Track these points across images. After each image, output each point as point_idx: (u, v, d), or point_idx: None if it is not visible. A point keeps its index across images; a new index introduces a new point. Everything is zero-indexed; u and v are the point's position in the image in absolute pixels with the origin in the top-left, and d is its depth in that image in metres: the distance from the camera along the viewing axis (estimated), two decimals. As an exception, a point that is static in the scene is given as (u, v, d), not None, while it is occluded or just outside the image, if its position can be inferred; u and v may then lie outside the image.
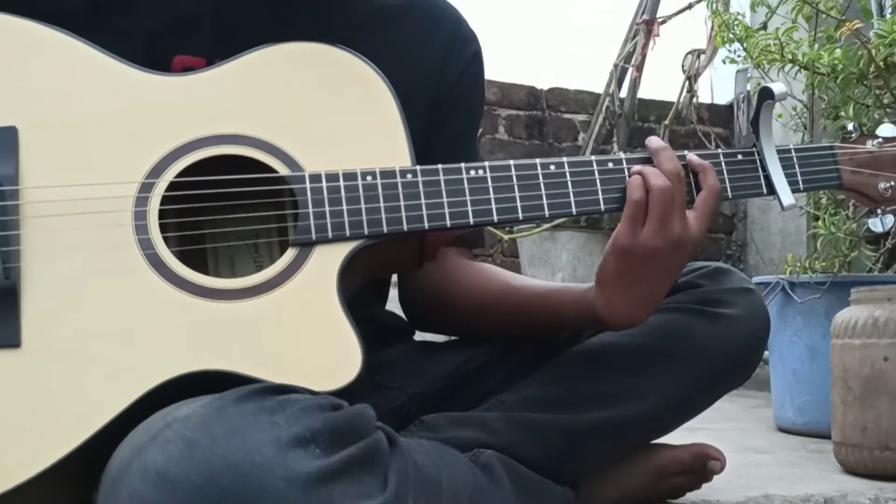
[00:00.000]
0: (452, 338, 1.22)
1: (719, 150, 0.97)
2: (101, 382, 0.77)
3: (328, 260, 0.84)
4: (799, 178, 0.99)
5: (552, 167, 0.91)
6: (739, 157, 0.97)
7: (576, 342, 1.08)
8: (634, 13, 3.53)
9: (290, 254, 0.84)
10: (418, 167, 0.88)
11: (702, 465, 1.13)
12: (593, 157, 0.93)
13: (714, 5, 2.12)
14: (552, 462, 1.00)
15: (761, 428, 2.05)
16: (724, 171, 0.96)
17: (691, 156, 0.94)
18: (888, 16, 1.89)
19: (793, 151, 0.99)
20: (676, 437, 1.13)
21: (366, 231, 0.85)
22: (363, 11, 1.03)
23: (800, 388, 1.91)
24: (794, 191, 0.98)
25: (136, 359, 0.78)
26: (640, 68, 3.43)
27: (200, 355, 0.79)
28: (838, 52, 1.69)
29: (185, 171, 0.84)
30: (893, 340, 1.37)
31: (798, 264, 1.95)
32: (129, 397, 0.76)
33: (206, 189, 0.83)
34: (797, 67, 1.79)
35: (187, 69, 0.92)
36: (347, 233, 0.84)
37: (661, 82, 3.56)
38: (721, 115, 3.79)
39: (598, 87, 3.65)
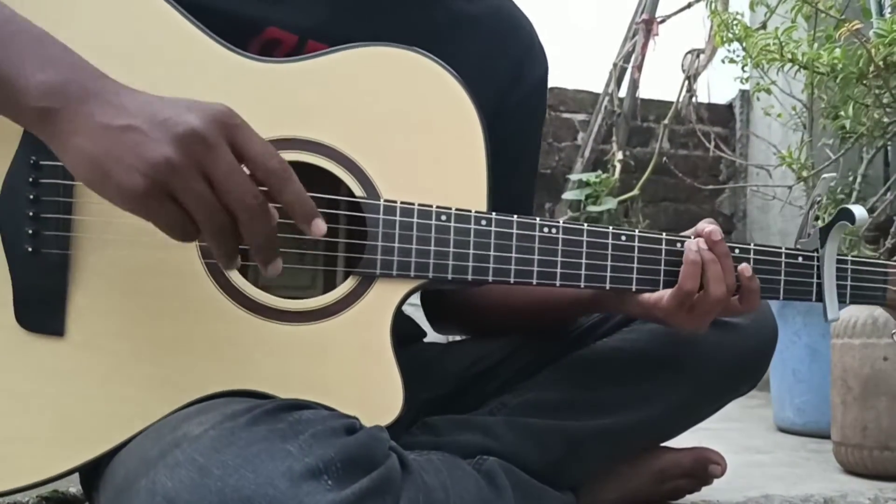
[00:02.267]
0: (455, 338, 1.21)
1: (782, 249, 0.94)
2: (140, 389, 0.74)
3: (387, 296, 0.82)
4: (848, 290, 0.96)
5: (623, 238, 0.88)
6: (800, 259, 0.95)
7: (582, 346, 1.07)
8: (634, 12, 3.53)
9: (351, 282, 0.82)
10: (493, 215, 0.84)
11: (702, 469, 1.13)
12: (664, 236, 0.90)
13: (713, 5, 2.11)
14: (553, 467, 0.99)
15: (761, 428, 2.05)
16: (783, 269, 0.93)
17: (748, 277, 0.89)
18: (887, 15, 1.89)
19: (849, 262, 0.96)
20: (677, 438, 1.13)
21: (430, 275, 0.82)
22: (445, 15, 1.00)
23: (800, 388, 1.91)
24: (840, 302, 0.95)
25: (180, 369, 0.76)
26: (639, 68, 3.42)
27: (248, 375, 0.77)
28: (838, 51, 1.68)
29: None
30: (893, 340, 1.37)
31: (798, 264, 1.94)
32: (166, 409, 0.74)
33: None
34: (796, 67, 1.79)
35: (273, 42, 0.88)
36: (412, 273, 0.82)
37: (660, 82, 3.54)
38: (720, 114, 3.78)
39: (597, 86, 3.65)
